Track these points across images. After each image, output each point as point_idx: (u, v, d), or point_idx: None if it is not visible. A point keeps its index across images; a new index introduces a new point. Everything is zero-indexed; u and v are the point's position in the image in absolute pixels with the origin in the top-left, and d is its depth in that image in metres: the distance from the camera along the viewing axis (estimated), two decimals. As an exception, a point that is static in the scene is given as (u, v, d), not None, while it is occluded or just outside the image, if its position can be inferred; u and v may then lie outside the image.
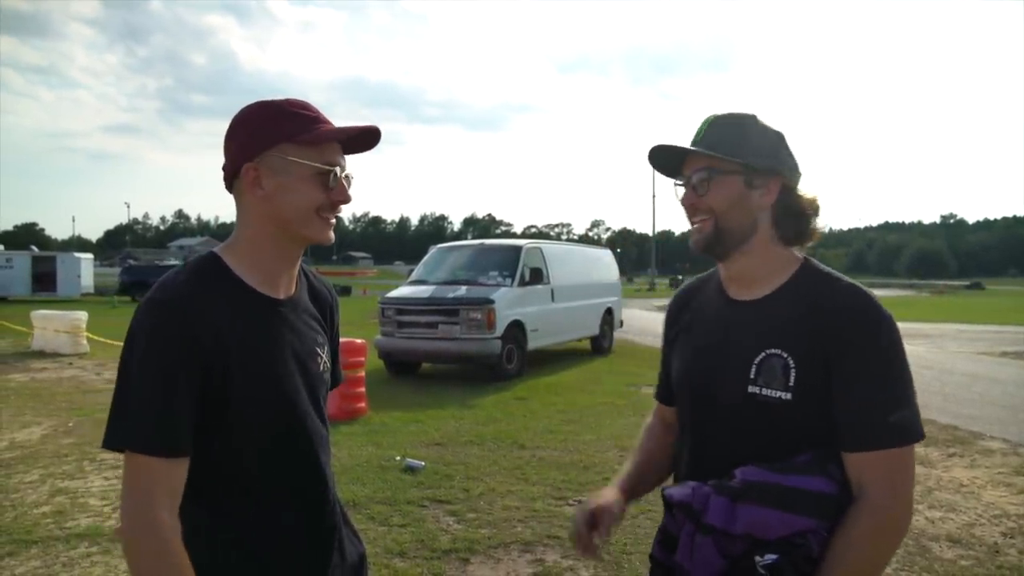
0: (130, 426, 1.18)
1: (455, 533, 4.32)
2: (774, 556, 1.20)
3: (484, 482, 5.33)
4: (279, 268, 1.34)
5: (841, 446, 1.27)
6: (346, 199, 1.33)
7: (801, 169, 1.42)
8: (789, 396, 1.29)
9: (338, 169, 1.30)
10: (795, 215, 1.38)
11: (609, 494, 1.54)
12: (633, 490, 1.60)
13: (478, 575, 3.82)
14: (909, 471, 1.28)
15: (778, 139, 1.40)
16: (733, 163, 1.35)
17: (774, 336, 1.33)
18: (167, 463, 1.17)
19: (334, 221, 1.34)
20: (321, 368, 1.41)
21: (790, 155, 1.40)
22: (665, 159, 1.45)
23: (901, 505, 1.26)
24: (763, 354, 1.32)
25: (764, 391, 1.31)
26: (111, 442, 1.19)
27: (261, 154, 1.27)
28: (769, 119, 1.42)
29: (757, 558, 1.20)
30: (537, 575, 3.81)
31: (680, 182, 1.44)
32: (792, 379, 1.29)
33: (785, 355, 1.30)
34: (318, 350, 1.40)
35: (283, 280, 1.35)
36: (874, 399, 1.25)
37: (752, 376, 1.32)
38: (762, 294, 1.39)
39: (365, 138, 1.36)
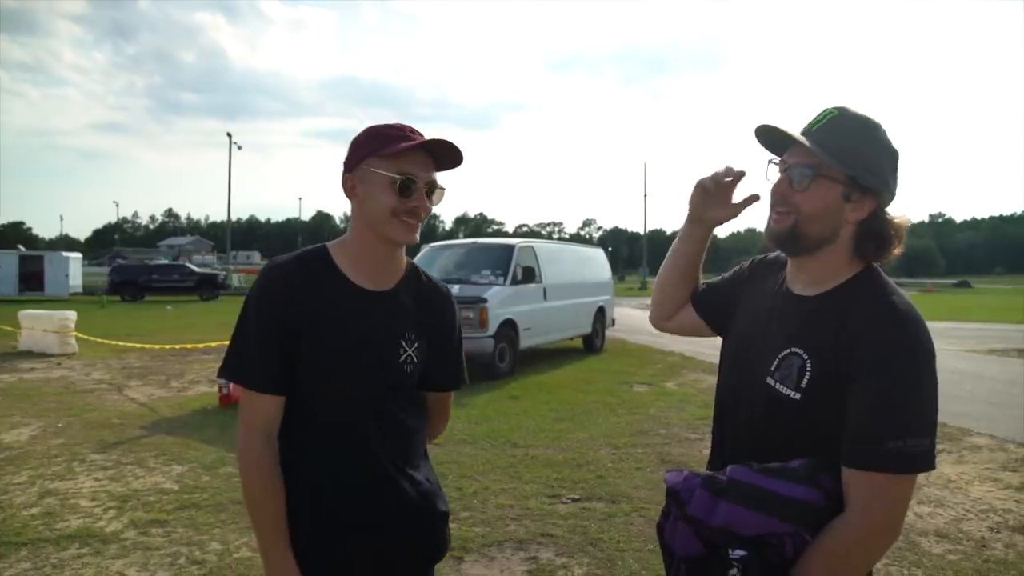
0: (231, 365, 1.55)
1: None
2: (743, 552, 1.25)
3: (477, 481, 5.34)
4: (373, 264, 1.58)
5: (840, 458, 1.28)
6: (419, 204, 1.51)
7: (897, 192, 1.39)
8: (798, 396, 1.33)
9: (414, 178, 1.50)
10: (877, 236, 1.37)
11: None
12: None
13: (472, 574, 3.82)
14: (893, 499, 1.26)
15: (892, 159, 1.37)
16: (841, 172, 1.33)
17: (803, 336, 1.36)
18: (261, 398, 1.52)
19: (417, 224, 1.53)
20: (402, 359, 1.59)
21: (895, 178, 1.37)
22: (771, 135, 1.41)
23: (874, 530, 1.25)
24: (788, 351, 1.37)
25: (777, 385, 1.36)
26: (221, 374, 1.57)
27: (356, 167, 1.53)
28: (891, 133, 1.37)
29: (730, 550, 1.26)
30: (531, 573, 3.82)
31: (776, 162, 1.41)
32: (805, 381, 1.33)
33: (805, 356, 1.34)
34: (403, 343, 1.59)
35: (379, 275, 1.59)
36: (877, 421, 1.24)
37: (772, 369, 1.38)
38: (815, 292, 1.40)
39: (451, 155, 1.54)
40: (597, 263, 14.87)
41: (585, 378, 10.50)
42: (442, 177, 1.58)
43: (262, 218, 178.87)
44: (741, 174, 1.53)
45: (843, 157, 1.32)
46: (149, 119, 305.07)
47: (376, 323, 1.57)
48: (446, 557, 3.96)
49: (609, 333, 14.74)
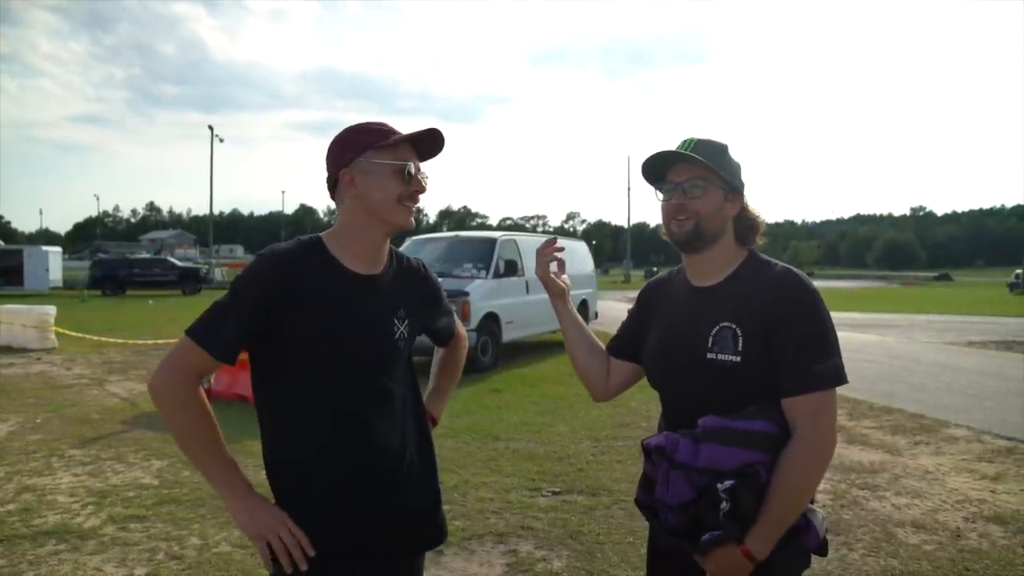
0: (199, 323, 1.58)
1: (429, 525, 4.32)
2: (731, 481, 1.52)
3: (458, 474, 5.34)
4: (366, 251, 1.68)
5: (779, 393, 1.59)
6: (421, 188, 1.67)
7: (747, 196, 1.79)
8: (739, 359, 1.62)
9: (412, 166, 1.64)
10: (749, 224, 1.76)
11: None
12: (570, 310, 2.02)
13: (452, 567, 3.83)
14: (831, 410, 1.60)
15: (739, 169, 1.76)
16: (722, 178, 1.70)
17: (725, 313, 1.67)
18: (207, 358, 1.57)
19: (414, 209, 1.67)
20: (396, 336, 1.70)
21: (743, 183, 1.78)
22: (654, 165, 1.75)
23: (823, 437, 1.58)
24: (718, 327, 1.66)
25: (719, 356, 1.64)
26: (189, 333, 1.58)
27: (353, 162, 1.63)
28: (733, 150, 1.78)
29: (718, 484, 1.52)
30: (511, 566, 3.83)
31: (666, 186, 1.74)
32: (740, 345, 1.62)
33: (734, 326, 1.64)
34: (395, 321, 1.71)
35: (369, 261, 1.69)
36: (802, 354, 1.58)
37: (710, 345, 1.66)
38: (717, 280, 1.74)
39: (434, 145, 1.69)
40: (579, 256, 14.86)
41: (568, 371, 10.47)
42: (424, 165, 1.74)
43: (245, 212, 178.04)
44: (553, 239, 1.99)
45: (719, 167, 1.69)
46: (129, 111, 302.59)
47: (370, 303, 1.67)
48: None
49: (592, 326, 14.65)
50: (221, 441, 1.61)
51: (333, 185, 1.68)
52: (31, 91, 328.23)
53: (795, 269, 1.69)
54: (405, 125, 1.64)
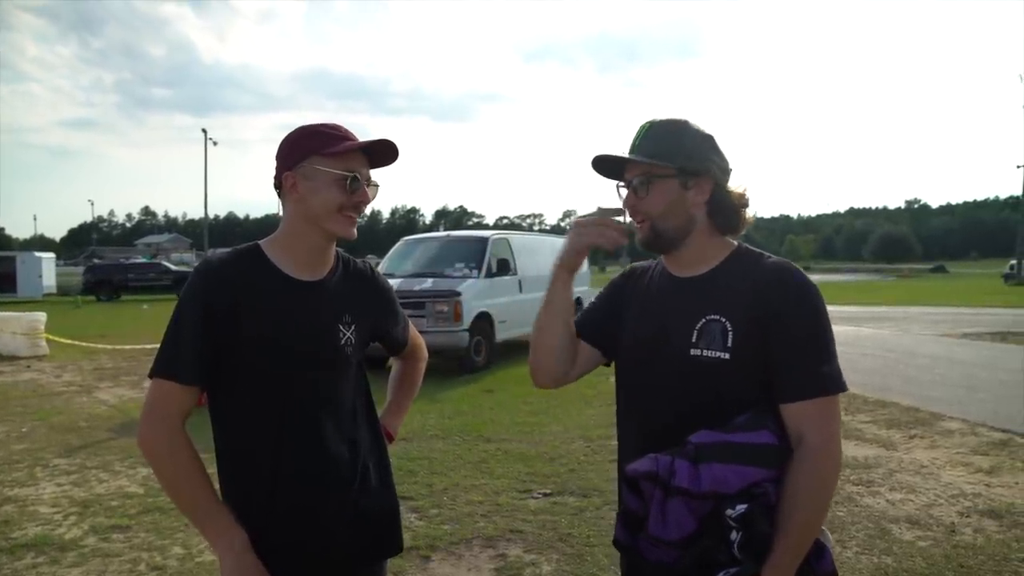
0: (157, 361, 1.52)
1: (417, 530, 4.26)
2: (744, 506, 1.31)
3: (448, 477, 5.28)
4: (307, 257, 1.62)
5: (780, 399, 1.41)
6: (364, 200, 1.60)
7: (730, 166, 1.55)
8: (728, 356, 1.43)
9: (359, 175, 1.58)
10: (726, 209, 1.53)
11: None
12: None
13: (439, 572, 3.76)
14: (837, 416, 1.43)
15: (709, 142, 1.53)
16: (668, 168, 1.48)
17: (713, 305, 1.47)
18: (176, 387, 1.51)
19: (356, 219, 1.61)
20: (343, 342, 1.64)
21: (720, 155, 1.53)
22: (608, 164, 1.57)
23: (834, 445, 1.40)
24: (703, 320, 1.46)
25: (705, 352, 1.45)
26: (151, 373, 1.53)
27: (297, 165, 1.57)
28: (700, 123, 1.54)
29: (728, 511, 1.31)
30: (499, 570, 3.77)
31: (623, 184, 1.56)
32: (730, 341, 1.43)
33: (723, 320, 1.45)
34: (341, 327, 1.65)
35: (311, 267, 1.63)
36: (807, 356, 1.41)
37: (694, 340, 1.46)
38: (701, 272, 1.54)
39: (387, 154, 1.63)
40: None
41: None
42: (383, 173, 1.68)
43: (240, 214, 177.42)
44: (621, 210, 1.60)
45: (664, 155, 1.48)
46: (120, 115, 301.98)
47: (314, 309, 1.62)
48: (413, 556, 3.90)
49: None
50: (213, 488, 1.55)
51: (279, 186, 1.63)
52: (20, 96, 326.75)
53: (790, 262, 1.51)
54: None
